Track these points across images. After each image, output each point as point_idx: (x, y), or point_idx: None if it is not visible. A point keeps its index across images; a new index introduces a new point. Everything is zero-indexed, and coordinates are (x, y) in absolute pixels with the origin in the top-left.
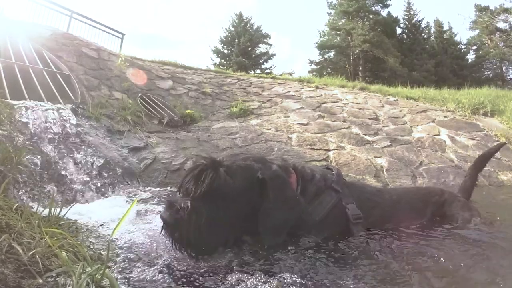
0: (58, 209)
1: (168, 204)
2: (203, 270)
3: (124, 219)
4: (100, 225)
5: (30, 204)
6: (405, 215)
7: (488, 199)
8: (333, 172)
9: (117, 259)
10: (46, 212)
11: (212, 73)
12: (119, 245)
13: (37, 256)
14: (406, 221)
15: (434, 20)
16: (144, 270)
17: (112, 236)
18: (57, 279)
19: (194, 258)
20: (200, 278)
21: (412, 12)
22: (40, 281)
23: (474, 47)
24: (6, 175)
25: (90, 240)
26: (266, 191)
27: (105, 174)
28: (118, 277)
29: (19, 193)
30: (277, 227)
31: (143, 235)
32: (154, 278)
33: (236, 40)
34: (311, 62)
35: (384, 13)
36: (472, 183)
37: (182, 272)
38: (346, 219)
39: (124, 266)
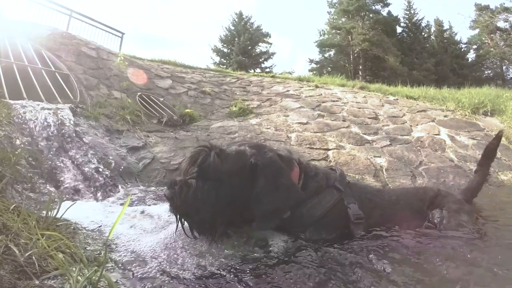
0: (56, 210)
1: (169, 182)
2: (201, 272)
3: (120, 219)
4: (99, 226)
5: (28, 204)
6: (404, 216)
7: (488, 199)
8: (336, 172)
9: (115, 260)
10: (43, 213)
11: (211, 72)
12: (116, 246)
13: (33, 257)
14: (406, 222)
15: (434, 19)
16: (142, 271)
17: (109, 237)
18: (53, 281)
19: (191, 235)
20: (200, 279)
21: (412, 11)
22: (37, 282)
23: (474, 46)
24: (4, 175)
25: (87, 241)
26: (257, 176)
27: (103, 174)
28: (116, 279)
29: (17, 194)
30: (268, 213)
31: (141, 235)
32: (152, 280)
33: (236, 39)
34: (311, 61)
35: (384, 12)
36: (479, 182)
37: (181, 273)
38: (347, 219)
39: (122, 267)
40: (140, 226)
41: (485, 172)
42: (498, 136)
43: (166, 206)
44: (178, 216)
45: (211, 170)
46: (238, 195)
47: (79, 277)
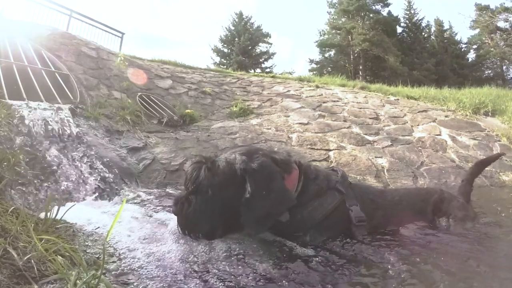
0: (55, 212)
1: (174, 199)
2: (200, 274)
3: (124, 222)
4: (96, 228)
5: (27, 206)
6: (407, 216)
7: (490, 200)
8: (338, 174)
9: (114, 263)
10: (43, 214)
11: (212, 72)
12: (116, 249)
13: (32, 261)
14: (409, 222)
15: (435, 19)
16: (142, 274)
17: (106, 239)
18: (52, 285)
19: (193, 238)
20: (198, 281)
21: (412, 11)
22: (36, 287)
23: (475, 46)
24: (3, 176)
25: (86, 243)
26: (247, 182)
27: (103, 175)
28: (114, 283)
29: (16, 195)
30: (260, 219)
31: (140, 238)
32: (151, 282)
33: (236, 39)
34: (311, 61)
35: (384, 12)
36: (469, 188)
37: (180, 275)
38: (349, 221)
39: (120, 270)
40: (142, 229)
41: (473, 180)
42: (498, 155)
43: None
44: (181, 228)
45: (204, 185)
46: (233, 204)
47: (77, 282)
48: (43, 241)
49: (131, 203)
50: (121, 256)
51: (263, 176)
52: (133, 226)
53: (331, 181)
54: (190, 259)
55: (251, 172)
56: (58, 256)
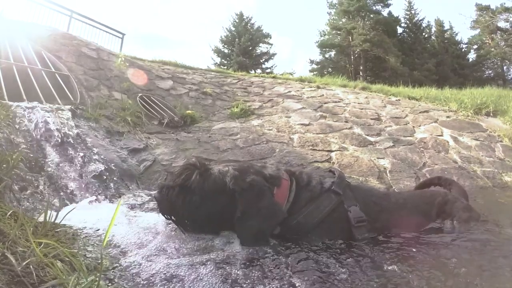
0: (55, 215)
1: (159, 186)
2: (200, 278)
3: (120, 223)
4: (97, 231)
5: (27, 209)
6: (412, 219)
7: (492, 201)
8: (335, 175)
9: (115, 267)
10: (42, 218)
11: (212, 73)
12: (117, 252)
13: (31, 267)
14: (414, 225)
15: (435, 20)
16: (142, 277)
17: (103, 245)
18: None
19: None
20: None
21: (413, 12)
22: None
23: (475, 47)
24: (2, 179)
25: (87, 247)
26: (237, 201)
27: (103, 176)
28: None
29: (15, 198)
30: (253, 236)
31: (140, 241)
32: (151, 285)
33: (236, 39)
34: (311, 61)
35: (385, 12)
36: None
37: (180, 279)
38: (348, 222)
39: (121, 274)
40: (147, 234)
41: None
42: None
43: None
44: (162, 212)
45: (193, 188)
46: (219, 212)
47: (76, 287)
48: (42, 246)
49: (132, 206)
50: (123, 261)
51: (252, 195)
52: (137, 230)
53: (326, 184)
54: (195, 267)
55: (240, 192)
56: (58, 261)
